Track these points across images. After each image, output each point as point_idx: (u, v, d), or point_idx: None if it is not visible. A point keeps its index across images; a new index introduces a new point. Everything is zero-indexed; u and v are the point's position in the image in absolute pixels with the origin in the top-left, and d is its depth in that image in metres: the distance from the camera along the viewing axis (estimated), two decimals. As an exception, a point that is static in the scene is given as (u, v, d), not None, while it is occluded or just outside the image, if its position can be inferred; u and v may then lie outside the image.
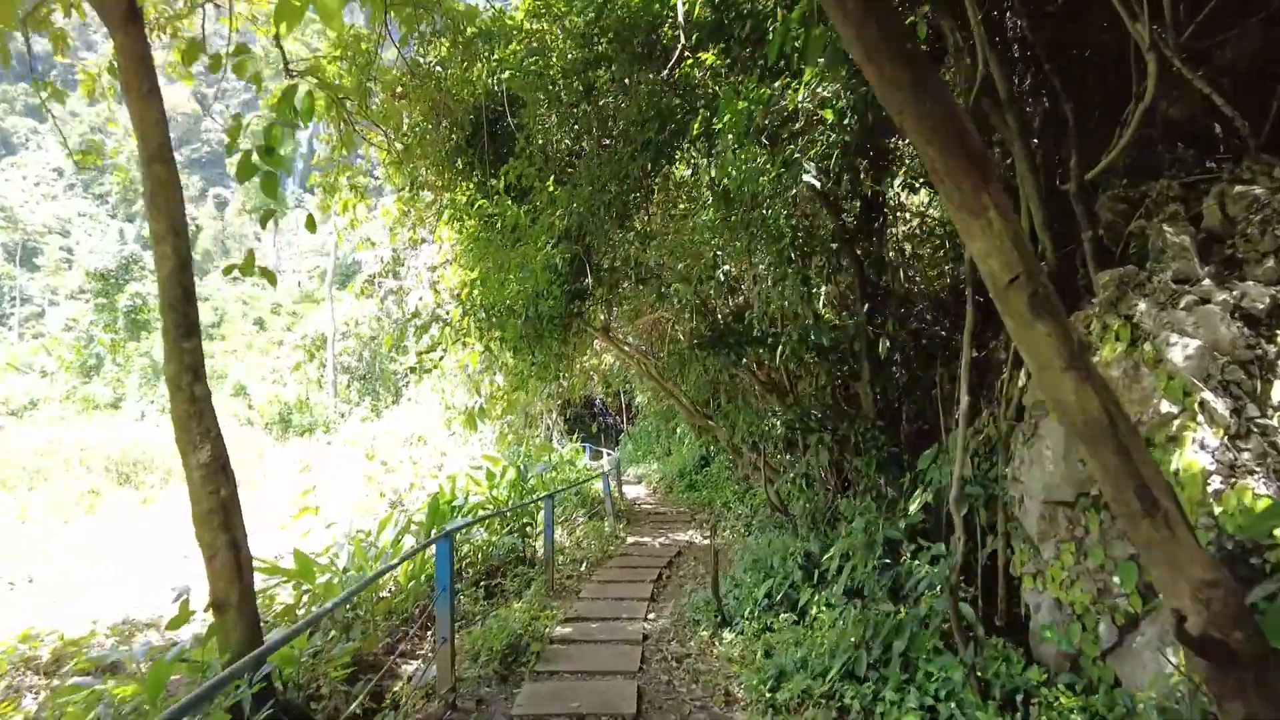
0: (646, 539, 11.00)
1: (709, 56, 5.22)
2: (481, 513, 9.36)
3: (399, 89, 8.02)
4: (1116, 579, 3.61)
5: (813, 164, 4.62)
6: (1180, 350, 3.26)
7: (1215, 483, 2.99)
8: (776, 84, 4.56)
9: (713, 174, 5.60)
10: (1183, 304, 3.42)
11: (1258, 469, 2.96)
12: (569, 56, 7.27)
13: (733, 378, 9.91)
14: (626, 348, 11.50)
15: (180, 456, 4.24)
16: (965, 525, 4.30)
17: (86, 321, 46.43)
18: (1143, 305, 3.58)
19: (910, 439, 7.38)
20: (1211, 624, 1.79)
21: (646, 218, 8.27)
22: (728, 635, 5.91)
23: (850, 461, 6.98)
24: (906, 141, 6.17)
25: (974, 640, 4.14)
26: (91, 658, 4.73)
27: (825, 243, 6.35)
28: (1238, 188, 3.73)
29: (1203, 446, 3.07)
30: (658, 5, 6.44)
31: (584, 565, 9.05)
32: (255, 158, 3.39)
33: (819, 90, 4.48)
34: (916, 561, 4.75)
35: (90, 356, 44.14)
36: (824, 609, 5.32)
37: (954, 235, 7.15)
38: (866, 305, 6.63)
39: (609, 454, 19.63)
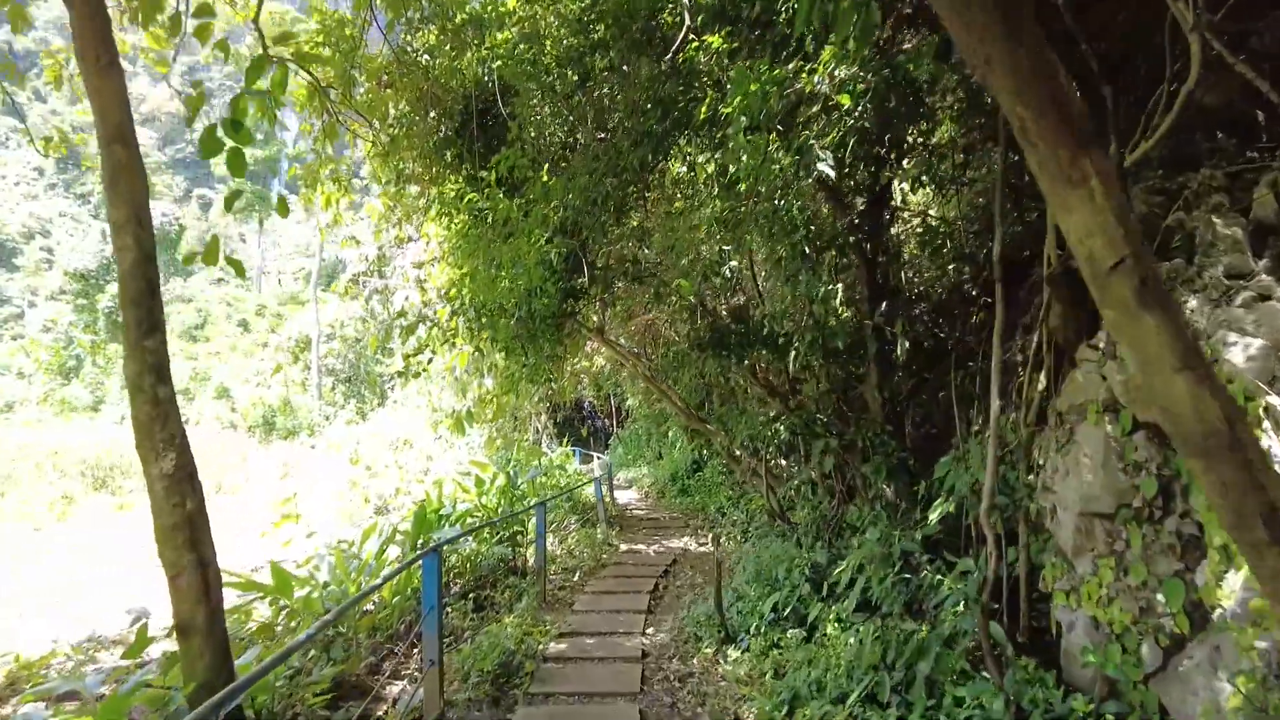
0: (640, 546, 10.67)
1: (715, 40, 4.91)
2: (470, 521, 8.99)
3: (385, 78, 7.66)
4: (1160, 597, 3.36)
5: (828, 152, 4.31)
6: (1240, 350, 2.99)
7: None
8: (790, 66, 4.26)
9: (718, 162, 5.30)
10: (1239, 300, 3.16)
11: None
12: (564, 43, 6.94)
13: (728, 380, 9.60)
14: (620, 349, 11.18)
15: (141, 465, 3.86)
16: (994, 538, 4.02)
17: (66, 322, 45.41)
18: (1194, 302, 3.31)
19: (916, 444, 7.11)
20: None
21: (644, 213, 7.95)
22: (733, 653, 5.57)
23: (856, 468, 6.69)
24: (920, 132, 5.90)
25: (1003, 660, 3.86)
26: (43, 689, 4.33)
27: (835, 238, 6.06)
28: (1292, 176, 3.49)
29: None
30: (659, -13, 6.13)
31: (577, 575, 8.71)
32: (220, 132, 3.03)
33: (836, 73, 4.18)
34: (938, 576, 4.45)
35: (70, 358, 43.14)
36: (835, 625, 5.01)
37: (955, 235, 6.91)
38: (876, 305, 6.35)
39: (600, 458, 19.25)
